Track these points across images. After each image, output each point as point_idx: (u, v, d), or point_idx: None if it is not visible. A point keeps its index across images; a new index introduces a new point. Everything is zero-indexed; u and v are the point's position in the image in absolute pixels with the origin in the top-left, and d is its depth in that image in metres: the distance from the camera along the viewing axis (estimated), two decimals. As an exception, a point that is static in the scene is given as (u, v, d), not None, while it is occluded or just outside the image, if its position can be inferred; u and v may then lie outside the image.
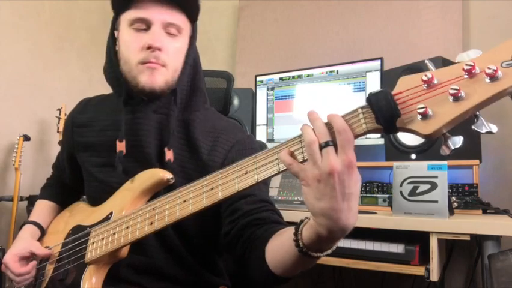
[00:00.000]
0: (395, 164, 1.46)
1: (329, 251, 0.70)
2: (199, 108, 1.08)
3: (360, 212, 1.58)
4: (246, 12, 2.66)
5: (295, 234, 0.70)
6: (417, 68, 1.66)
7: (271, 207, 0.94)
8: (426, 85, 0.63)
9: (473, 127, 0.64)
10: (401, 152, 1.70)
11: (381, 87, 1.83)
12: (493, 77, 0.58)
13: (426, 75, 0.62)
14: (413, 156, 1.66)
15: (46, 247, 1.09)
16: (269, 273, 0.79)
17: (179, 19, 1.01)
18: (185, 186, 0.82)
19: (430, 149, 1.62)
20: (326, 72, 2.07)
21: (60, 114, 2.33)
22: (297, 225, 0.71)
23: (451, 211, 1.42)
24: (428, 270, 1.33)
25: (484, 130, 0.63)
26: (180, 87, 1.04)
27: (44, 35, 2.56)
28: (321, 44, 2.35)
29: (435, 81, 0.62)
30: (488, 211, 1.56)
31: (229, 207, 0.94)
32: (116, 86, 1.07)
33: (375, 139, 1.89)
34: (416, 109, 0.62)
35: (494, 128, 0.63)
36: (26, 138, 2.26)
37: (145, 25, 0.98)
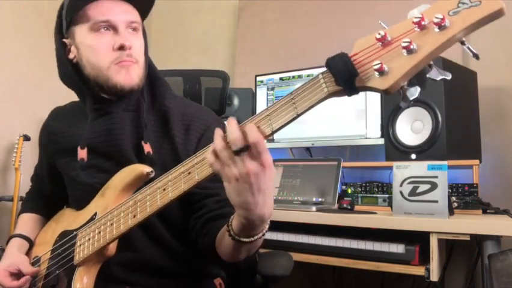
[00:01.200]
0: (395, 164, 1.46)
1: (260, 235, 0.80)
2: (167, 95, 1.09)
3: (360, 212, 1.58)
4: (246, 12, 2.65)
5: (227, 225, 0.80)
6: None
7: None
8: (380, 43, 0.65)
9: (427, 76, 0.66)
10: (401, 152, 1.70)
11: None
12: (441, 26, 0.60)
13: (379, 33, 0.65)
14: (413, 156, 1.66)
15: (35, 257, 1.09)
16: (218, 260, 0.90)
17: (136, 16, 1.03)
18: (163, 175, 0.84)
19: (430, 149, 1.62)
20: (326, 72, 2.07)
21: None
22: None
23: (451, 211, 1.42)
24: (428, 270, 1.33)
25: (438, 77, 0.65)
26: (145, 84, 1.07)
27: (44, 35, 2.55)
28: (321, 44, 2.35)
29: (389, 38, 0.64)
30: (488, 211, 1.56)
31: (199, 201, 0.99)
32: (78, 94, 1.09)
33: (375, 139, 1.89)
34: (372, 66, 0.64)
35: (448, 75, 0.65)
36: (26, 138, 2.27)
37: (108, 27, 0.99)
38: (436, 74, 0.65)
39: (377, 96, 1.88)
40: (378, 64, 0.63)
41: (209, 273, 1.11)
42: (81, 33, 1.01)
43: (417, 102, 1.67)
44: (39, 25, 2.52)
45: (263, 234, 0.81)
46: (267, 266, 1.19)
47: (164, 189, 0.83)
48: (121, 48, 0.98)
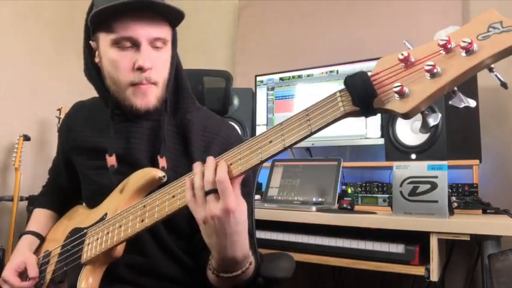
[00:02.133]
0: (395, 164, 1.46)
1: (239, 272, 0.80)
2: (190, 109, 1.09)
3: (360, 212, 1.58)
4: (246, 12, 2.65)
5: (209, 259, 0.83)
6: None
7: None
8: (403, 64, 0.62)
9: (450, 102, 0.63)
10: (401, 152, 1.70)
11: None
12: (468, 50, 0.57)
13: (402, 54, 0.62)
14: (413, 156, 1.66)
15: (46, 251, 1.10)
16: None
17: (163, 31, 0.99)
18: (174, 181, 0.83)
19: (430, 149, 1.62)
20: (326, 72, 2.07)
21: (60, 114, 2.32)
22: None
23: (451, 211, 1.42)
24: (428, 270, 1.33)
25: (461, 105, 0.62)
26: (169, 94, 1.05)
27: (44, 35, 2.56)
28: (321, 44, 2.35)
29: (412, 59, 0.62)
30: (488, 211, 1.56)
31: None
32: (102, 96, 1.08)
33: (375, 139, 1.89)
34: (392, 88, 0.61)
35: (472, 103, 0.62)
36: (26, 138, 2.26)
37: (131, 43, 0.96)
38: (459, 101, 0.62)
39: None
40: (398, 86, 0.60)
41: None
42: (104, 43, 0.98)
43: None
44: (39, 25, 2.52)
45: (243, 272, 0.81)
46: (268, 268, 1.19)
47: (173, 196, 0.82)
48: (140, 69, 0.95)
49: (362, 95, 0.63)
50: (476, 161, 1.61)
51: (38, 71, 2.50)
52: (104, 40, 0.98)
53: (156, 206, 0.85)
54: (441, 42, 0.59)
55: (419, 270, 1.35)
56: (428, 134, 1.63)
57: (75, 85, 2.66)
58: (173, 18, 1.00)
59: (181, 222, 1.01)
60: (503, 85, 0.60)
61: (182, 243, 1.03)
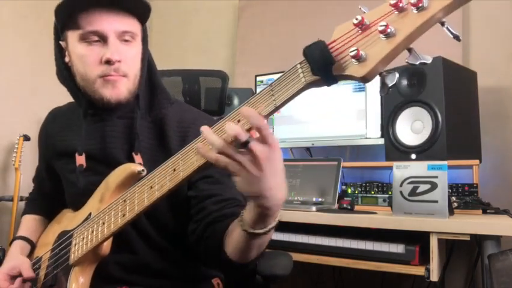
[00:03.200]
0: (395, 164, 1.46)
1: (273, 224, 0.75)
2: (165, 104, 1.08)
3: (360, 212, 1.58)
4: (246, 12, 2.65)
5: (240, 220, 0.77)
6: (417, 68, 1.66)
7: (235, 204, 0.95)
8: (358, 28, 0.62)
9: (406, 60, 0.62)
10: (401, 152, 1.70)
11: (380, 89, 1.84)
12: (419, 6, 0.58)
13: (356, 18, 0.62)
14: (413, 156, 1.66)
15: (36, 257, 1.10)
16: (227, 261, 0.85)
17: (132, 24, 0.98)
18: (150, 172, 0.83)
19: (430, 149, 1.62)
20: (326, 72, 2.07)
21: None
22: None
23: (451, 211, 1.42)
24: (428, 270, 1.33)
25: (417, 62, 0.62)
26: (141, 91, 1.04)
27: (44, 35, 2.55)
28: (321, 44, 2.34)
29: (367, 22, 0.62)
30: (488, 211, 1.56)
31: (196, 205, 0.97)
32: (74, 97, 1.07)
33: (375, 139, 1.89)
34: (348, 53, 0.61)
35: (428, 59, 0.62)
36: (26, 138, 2.27)
37: (98, 37, 0.95)
38: (415, 59, 0.62)
39: (377, 96, 1.88)
40: (354, 51, 0.60)
41: (207, 274, 1.11)
42: (72, 40, 0.98)
43: (417, 102, 1.67)
44: (39, 25, 2.52)
45: (276, 224, 0.77)
46: (266, 266, 1.19)
47: (151, 187, 0.82)
48: (108, 62, 0.95)
49: (320, 64, 0.63)
50: (476, 161, 1.61)
51: (38, 71, 2.50)
52: (71, 37, 0.98)
53: (135, 199, 0.85)
54: (393, 2, 0.59)
55: (419, 270, 1.35)
56: (429, 133, 1.63)
57: (75, 85, 2.67)
58: (140, 11, 0.99)
59: (164, 215, 1.01)
60: (456, 37, 0.60)
61: (169, 236, 1.03)
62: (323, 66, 0.63)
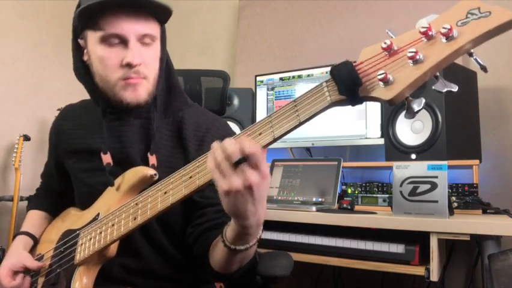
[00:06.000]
0: (395, 164, 1.46)
1: (254, 241, 0.79)
2: (182, 106, 1.09)
3: (360, 212, 1.58)
4: (246, 12, 2.65)
5: (222, 234, 0.80)
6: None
7: None
8: (386, 52, 0.64)
9: (433, 87, 0.64)
10: (401, 152, 1.70)
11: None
12: (448, 36, 0.59)
13: (385, 43, 0.64)
14: (413, 156, 1.66)
15: (38, 255, 1.09)
16: (212, 271, 0.90)
17: (152, 27, 0.99)
18: (165, 178, 0.83)
19: (430, 149, 1.63)
20: (326, 72, 2.07)
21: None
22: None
23: (451, 211, 1.42)
24: (428, 270, 1.33)
25: (444, 89, 0.64)
26: (159, 92, 1.04)
27: (44, 35, 2.56)
28: (321, 44, 2.35)
29: (395, 48, 0.63)
30: (488, 211, 1.56)
31: (198, 210, 0.99)
32: (92, 96, 1.07)
33: (375, 139, 1.89)
34: (376, 76, 0.63)
35: (454, 87, 0.63)
36: (26, 138, 2.26)
37: (119, 39, 0.96)
38: (442, 86, 0.63)
39: (377, 96, 1.88)
40: (382, 74, 0.62)
41: (210, 279, 1.11)
42: (92, 40, 0.98)
43: (417, 102, 1.67)
44: (40, 25, 2.52)
45: (257, 241, 0.80)
46: (266, 266, 1.19)
47: (165, 193, 0.82)
48: (129, 65, 0.95)
49: (348, 84, 0.64)
50: (476, 161, 1.61)
51: (38, 71, 2.50)
52: (92, 38, 0.98)
53: (148, 203, 0.85)
54: (423, 30, 0.61)
55: (419, 270, 1.35)
56: (429, 133, 1.63)
57: (75, 85, 2.67)
58: (161, 14, 0.99)
59: (176, 220, 1.02)
60: (483, 69, 0.61)
61: (176, 240, 1.04)
62: (350, 86, 0.64)
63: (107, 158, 1.02)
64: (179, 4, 2.99)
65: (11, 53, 2.40)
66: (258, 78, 2.28)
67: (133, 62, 0.95)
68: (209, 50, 2.84)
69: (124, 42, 0.96)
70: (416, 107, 0.64)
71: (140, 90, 0.98)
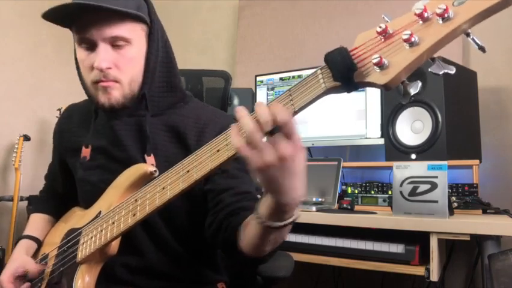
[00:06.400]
0: (395, 164, 1.46)
1: (292, 218, 0.74)
2: (180, 103, 1.08)
3: (360, 212, 1.58)
4: (246, 12, 2.65)
5: (256, 211, 0.75)
6: (417, 68, 1.66)
7: (251, 197, 0.96)
8: (381, 36, 0.62)
9: (430, 69, 0.62)
10: (401, 152, 1.70)
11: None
12: (444, 17, 0.57)
13: (380, 27, 0.62)
14: (413, 156, 1.66)
15: (43, 254, 1.09)
16: (241, 256, 0.84)
17: (126, 29, 0.95)
18: (163, 174, 0.83)
19: (430, 149, 1.63)
20: (326, 72, 2.07)
21: (60, 114, 2.33)
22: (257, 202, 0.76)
23: (451, 211, 1.42)
24: (428, 270, 1.33)
25: (440, 72, 0.62)
26: (153, 90, 1.03)
27: (44, 35, 2.56)
28: (321, 44, 2.35)
29: (390, 31, 0.62)
30: (488, 211, 1.56)
31: (214, 199, 0.97)
32: (87, 94, 1.07)
33: (375, 139, 1.89)
34: (371, 61, 0.61)
35: (452, 69, 0.62)
36: (26, 138, 2.26)
37: (89, 44, 0.95)
38: (439, 68, 0.62)
39: (377, 96, 1.88)
40: (377, 58, 0.60)
41: (212, 278, 1.11)
42: (75, 42, 0.99)
43: (417, 102, 1.67)
44: (39, 25, 2.52)
45: (294, 220, 0.75)
46: (267, 267, 1.19)
47: (163, 188, 0.83)
48: (98, 69, 0.94)
49: (342, 70, 0.63)
50: (476, 161, 1.61)
51: (38, 71, 2.50)
52: (75, 38, 0.99)
53: (147, 199, 0.85)
54: (418, 12, 0.59)
55: (419, 270, 1.35)
56: (429, 133, 1.63)
57: (75, 85, 2.67)
58: (130, 12, 0.95)
59: (180, 216, 1.01)
60: (481, 49, 0.60)
61: (182, 238, 1.03)
62: (345, 72, 0.63)
63: (85, 152, 1.04)
64: (179, 4, 2.99)
65: (11, 53, 2.40)
66: (258, 78, 2.28)
67: (99, 66, 0.94)
68: (209, 50, 2.84)
69: (92, 46, 0.95)
70: (412, 90, 0.62)
71: (113, 93, 0.97)
